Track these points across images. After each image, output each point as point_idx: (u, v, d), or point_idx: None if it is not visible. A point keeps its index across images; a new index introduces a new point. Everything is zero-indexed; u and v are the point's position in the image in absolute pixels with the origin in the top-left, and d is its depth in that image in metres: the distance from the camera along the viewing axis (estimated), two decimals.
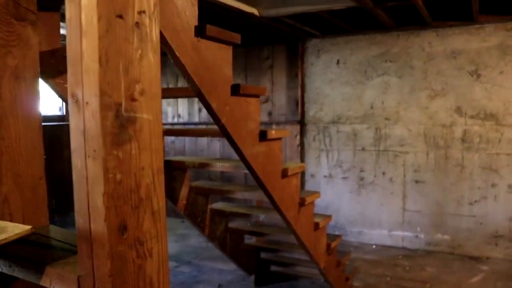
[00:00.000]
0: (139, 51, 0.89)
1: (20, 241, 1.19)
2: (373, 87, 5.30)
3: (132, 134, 0.89)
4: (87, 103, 0.84)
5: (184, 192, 3.34)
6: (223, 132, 2.20)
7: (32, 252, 1.07)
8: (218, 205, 3.78)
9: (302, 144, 5.81)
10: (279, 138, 2.65)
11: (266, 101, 6.08)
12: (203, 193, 3.50)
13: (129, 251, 0.87)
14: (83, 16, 0.81)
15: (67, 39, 0.85)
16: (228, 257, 4.00)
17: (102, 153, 0.83)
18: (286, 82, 5.91)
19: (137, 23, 0.88)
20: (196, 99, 5.65)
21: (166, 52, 1.84)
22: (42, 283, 0.99)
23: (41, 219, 1.18)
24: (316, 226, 3.27)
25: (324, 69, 5.60)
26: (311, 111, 5.73)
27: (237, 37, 2.13)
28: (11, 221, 1.17)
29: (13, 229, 0.95)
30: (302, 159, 5.81)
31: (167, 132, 3.03)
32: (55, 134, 6.88)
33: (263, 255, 4.30)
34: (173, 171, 3.22)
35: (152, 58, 0.92)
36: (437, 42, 4.98)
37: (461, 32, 4.86)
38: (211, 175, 6.29)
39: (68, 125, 0.92)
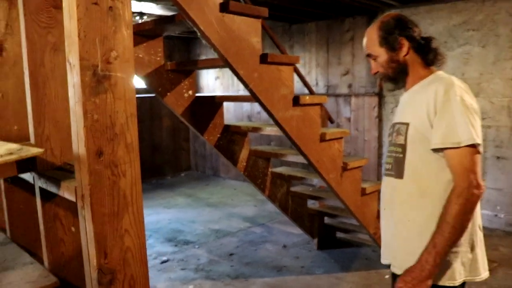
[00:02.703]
0: (113, 28, 1.23)
1: (57, 168, 1.64)
2: (453, 58, 5.11)
3: (108, 87, 1.24)
4: (74, 65, 1.21)
5: (244, 154, 3.70)
6: (253, 96, 2.49)
7: (61, 175, 1.50)
8: (279, 169, 4.09)
9: (380, 116, 5.84)
10: (317, 104, 2.85)
11: (347, 73, 6.17)
12: (263, 156, 3.83)
13: (104, 170, 1.23)
14: (70, 5, 1.18)
15: (64, 21, 1.23)
16: (290, 219, 4.30)
17: (83, 99, 1.19)
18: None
19: (110, 7, 1.22)
20: None
21: (194, 28, 2.18)
22: (59, 192, 1.42)
23: None
24: (364, 191, 3.43)
25: None
26: None
27: (264, 11, 2.38)
28: (52, 154, 1.62)
29: (31, 151, 1.38)
30: (380, 131, 5.84)
31: (221, 98, 3.40)
32: (155, 105, 7.71)
33: (327, 220, 4.52)
34: (233, 135, 3.59)
35: (125, 33, 1.26)
36: None
37: None
38: None
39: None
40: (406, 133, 1.59)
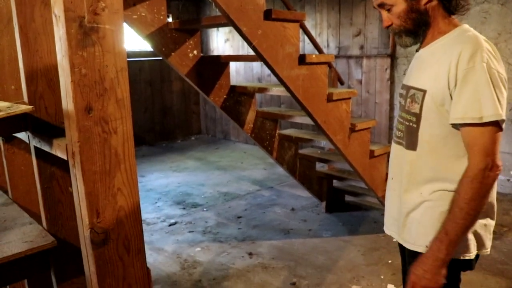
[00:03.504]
0: None
1: (52, 127, 1.60)
2: (470, 17, 4.90)
3: (96, 40, 1.17)
4: (59, 17, 1.14)
5: (251, 116, 3.64)
6: (257, 54, 2.40)
7: (55, 133, 1.46)
8: (286, 131, 4.03)
9: (392, 78, 5.69)
10: (324, 63, 2.76)
11: (358, 34, 5.99)
12: (270, 118, 3.77)
13: (94, 127, 1.19)
14: None
15: None
16: (298, 182, 4.27)
17: (69, 52, 1.13)
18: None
19: None
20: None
21: None
22: (52, 151, 1.38)
23: None
24: (372, 153, 3.36)
25: None
26: None
27: None
28: (46, 113, 1.58)
29: (20, 108, 1.34)
30: (392, 94, 5.72)
31: (226, 58, 3.31)
32: (165, 68, 7.62)
33: (335, 183, 4.48)
34: (240, 96, 3.51)
35: None
36: None
37: None
38: None
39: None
40: (422, 101, 1.41)
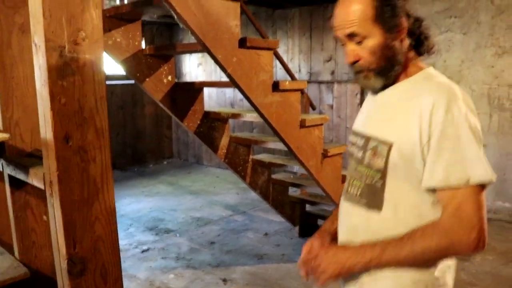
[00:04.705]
0: (81, 7, 1.18)
1: (27, 154, 1.58)
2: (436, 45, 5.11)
3: (75, 69, 1.19)
4: (39, 46, 1.16)
5: (224, 141, 3.67)
6: (231, 81, 2.44)
7: (30, 161, 1.45)
8: (259, 156, 4.06)
9: (362, 103, 5.83)
10: (297, 90, 2.82)
11: (329, 60, 6.14)
12: (244, 144, 3.80)
13: (73, 156, 1.19)
14: None
15: None
16: (271, 207, 4.29)
17: (49, 82, 1.14)
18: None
19: None
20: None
21: (171, 11, 2.12)
22: (28, 180, 1.37)
23: None
24: (344, 178, 3.42)
25: None
26: None
27: None
28: (21, 140, 1.56)
29: None
30: None
31: (201, 84, 3.35)
32: (138, 92, 7.60)
33: (308, 208, 4.52)
34: (214, 121, 3.54)
35: (94, 12, 1.20)
36: None
37: None
38: None
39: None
40: (387, 156, 1.17)
